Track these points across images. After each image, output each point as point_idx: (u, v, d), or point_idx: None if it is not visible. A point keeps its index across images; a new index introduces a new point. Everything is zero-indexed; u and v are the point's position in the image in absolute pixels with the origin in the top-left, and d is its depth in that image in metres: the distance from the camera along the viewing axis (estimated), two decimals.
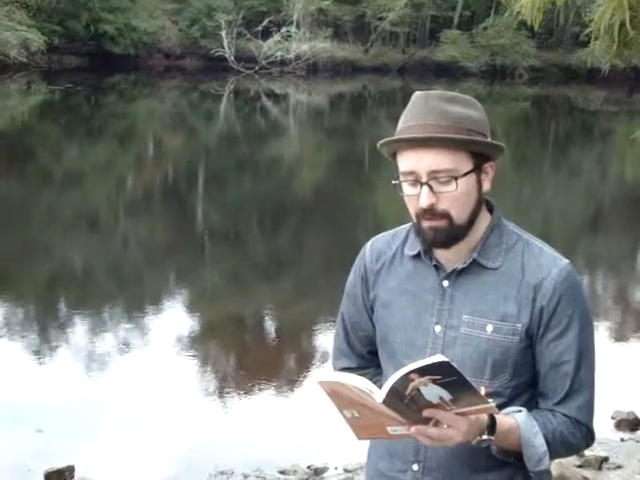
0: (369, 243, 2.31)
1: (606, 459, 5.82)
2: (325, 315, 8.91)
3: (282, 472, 5.75)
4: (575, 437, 2.13)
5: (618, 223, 15.79)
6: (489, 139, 2.12)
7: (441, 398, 1.89)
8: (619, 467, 5.81)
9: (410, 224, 2.23)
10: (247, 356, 8.27)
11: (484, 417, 1.99)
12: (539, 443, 2.06)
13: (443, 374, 1.84)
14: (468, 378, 1.88)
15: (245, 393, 7.18)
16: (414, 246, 2.21)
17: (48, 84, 34.38)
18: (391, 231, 2.31)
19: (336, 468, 5.83)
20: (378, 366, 2.30)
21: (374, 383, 2.08)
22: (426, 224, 2.09)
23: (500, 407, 2.04)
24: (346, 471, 5.75)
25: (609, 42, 5.35)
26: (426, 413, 1.92)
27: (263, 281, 10.90)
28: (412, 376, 1.85)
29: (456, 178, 2.05)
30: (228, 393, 7.21)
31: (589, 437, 2.16)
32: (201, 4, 44.47)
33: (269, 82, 41.00)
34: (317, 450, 6.09)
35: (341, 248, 10.96)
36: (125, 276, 10.97)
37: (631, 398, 6.97)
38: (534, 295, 2.10)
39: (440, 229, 2.08)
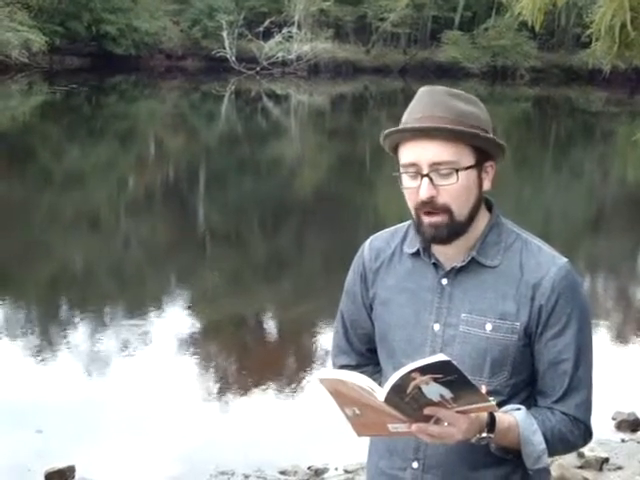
0: (368, 241, 2.32)
1: (607, 460, 5.81)
2: (326, 315, 8.90)
3: (282, 472, 5.75)
4: (573, 435, 2.14)
5: (619, 224, 15.79)
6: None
7: (442, 396, 1.89)
8: (619, 468, 5.80)
9: (409, 222, 2.23)
10: (248, 356, 8.27)
11: (484, 415, 1.99)
12: (538, 441, 2.07)
13: (444, 373, 1.85)
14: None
15: (246, 393, 7.18)
16: (413, 244, 2.21)
17: (50, 84, 34.41)
18: (390, 229, 2.31)
19: (336, 469, 5.83)
20: (377, 364, 2.30)
21: (373, 381, 2.10)
22: (426, 220, 2.09)
23: (499, 405, 2.04)
24: (346, 472, 5.75)
25: (610, 43, 5.35)
26: (427, 411, 1.92)
27: (264, 281, 10.91)
28: (413, 375, 1.86)
29: (457, 170, 2.06)
30: (228, 393, 7.21)
31: (587, 434, 2.17)
32: (202, 5, 44.49)
33: (270, 83, 41.01)
34: (318, 451, 6.09)
35: (342, 248, 10.95)
36: (126, 277, 10.98)
37: (632, 399, 6.97)
38: (533, 294, 2.10)
39: (441, 225, 2.08)
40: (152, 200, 16.40)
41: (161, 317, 9.03)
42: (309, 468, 5.81)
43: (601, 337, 8.75)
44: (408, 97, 2.20)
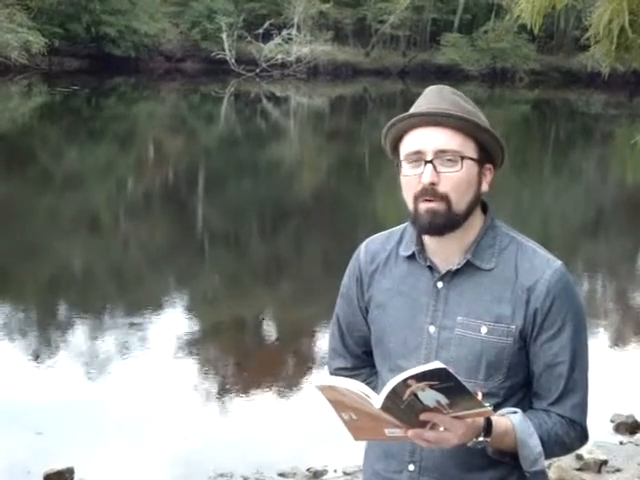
0: (363, 244, 2.32)
1: (605, 462, 5.81)
2: (325, 318, 8.90)
3: (281, 475, 5.75)
4: (570, 437, 2.15)
5: (618, 227, 15.79)
6: None
7: (438, 402, 1.90)
8: (618, 470, 5.80)
9: (405, 225, 2.24)
10: (247, 359, 8.27)
11: (480, 419, 2.00)
12: (534, 444, 2.07)
13: (440, 380, 1.86)
14: (462, 379, 1.89)
15: (244, 396, 7.18)
16: (408, 247, 2.22)
17: (50, 86, 34.40)
18: (386, 232, 2.31)
19: (335, 471, 5.83)
20: (373, 366, 2.31)
21: (369, 383, 2.11)
22: (424, 206, 2.09)
23: (495, 407, 2.05)
24: (345, 474, 5.75)
25: (609, 46, 5.35)
26: (423, 417, 1.93)
27: (263, 284, 10.90)
28: (409, 382, 1.86)
29: (462, 158, 2.08)
30: (227, 396, 7.21)
31: (583, 436, 2.18)
32: (202, 7, 44.48)
33: (270, 85, 41.01)
34: (316, 453, 6.10)
35: (341, 251, 10.93)
36: (125, 279, 10.98)
37: (630, 401, 6.97)
38: (528, 297, 2.11)
39: (438, 213, 2.08)
40: (151, 202, 16.40)
41: (160, 319, 9.03)
42: (308, 470, 5.82)
43: (600, 340, 8.76)
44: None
